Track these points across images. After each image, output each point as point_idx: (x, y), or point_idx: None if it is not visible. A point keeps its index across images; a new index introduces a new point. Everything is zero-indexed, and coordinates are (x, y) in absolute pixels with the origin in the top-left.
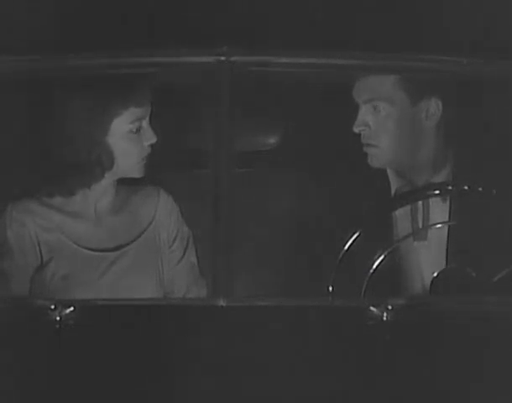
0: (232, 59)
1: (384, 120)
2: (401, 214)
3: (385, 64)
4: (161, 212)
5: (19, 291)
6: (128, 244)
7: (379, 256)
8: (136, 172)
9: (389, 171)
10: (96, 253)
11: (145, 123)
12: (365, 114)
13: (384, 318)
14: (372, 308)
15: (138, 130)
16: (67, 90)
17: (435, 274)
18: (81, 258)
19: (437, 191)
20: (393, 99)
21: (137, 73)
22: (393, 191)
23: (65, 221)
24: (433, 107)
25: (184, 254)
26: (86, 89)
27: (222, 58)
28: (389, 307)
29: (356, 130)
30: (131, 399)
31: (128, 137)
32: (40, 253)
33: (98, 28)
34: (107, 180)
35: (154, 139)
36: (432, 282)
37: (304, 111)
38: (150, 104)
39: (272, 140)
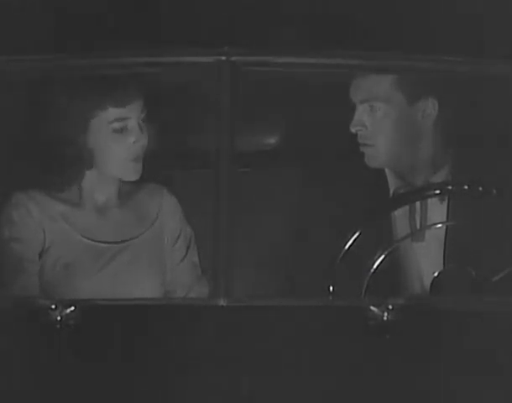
0: (232, 59)
1: (380, 120)
2: (400, 214)
3: (385, 64)
4: (165, 212)
5: (29, 277)
6: (130, 239)
7: (379, 256)
8: (129, 174)
9: (387, 171)
10: (99, 245)
11: (132, 123)
12: (362, 114)
13: (385, 318)
14: (372, 308)
15: (122, 130)
16: (55, 88)
17: (435, 274)
18: (84, 248)
19: (437, 191)
20: (389, 99)
21: (125, 74)
22: (391, 192)
23: (69, 211)
24: (429, 108)
25: (186, 254)
26: (71, 88)
27: (222, 58)
28: (390, 307)
29: (353, 130)
30: (131, 398)
31: (110, 136)
32: (44, 239)
33: (98, 28)
34: (100, 177)
35: (142, 140)
36: (432, 282)
37: (304, 111)
38: (140, 105)
39: (272, 140)
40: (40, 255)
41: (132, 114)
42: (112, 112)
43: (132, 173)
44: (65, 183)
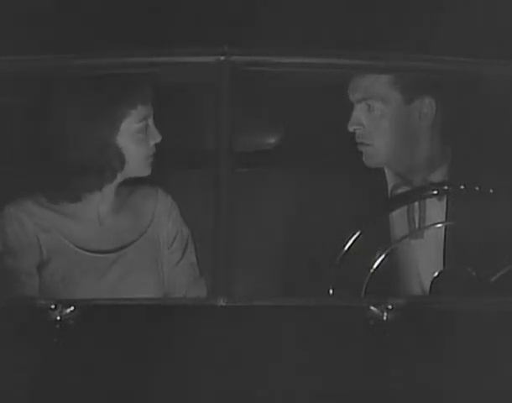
0: (232, 59)
1: (377, 119)
2: (397, 214)
3: (384, 64)
4: (160, 212)
5: (25, 290)
6: (127, 245)
7: (379, 256)
8: (143, 171)
9: (386, 170)
10: (96, 255)
11: (151, 122)
12: (359, 113)
13: (384, 318)
14: (372, 308)
15: (146, 129)
16: (71, 91)
17: (435, 274)
18: (81, 259)
19: (435, 191)
20: (386, 98)
21: (138, 72)
22: (389, 191)
23: (64, 222)
24: (426, 107)
25: (183, 255)
26: (93, 91)
27: (222, 58)
28: (389, 307)
29: (350, 129)
30: (131, 398)
31: (136, 136)
32: (41, 252)
33: (99, 28)
34: (115, 182)
35: (159, 138)
36: (432, 282)
37: (304, 110)
38: (152, 103)
39: (272, 140)
40: (39, 268)
41: (151, 112)
42: (140, 110)
43: (146, 169)
44: (82, 194)
